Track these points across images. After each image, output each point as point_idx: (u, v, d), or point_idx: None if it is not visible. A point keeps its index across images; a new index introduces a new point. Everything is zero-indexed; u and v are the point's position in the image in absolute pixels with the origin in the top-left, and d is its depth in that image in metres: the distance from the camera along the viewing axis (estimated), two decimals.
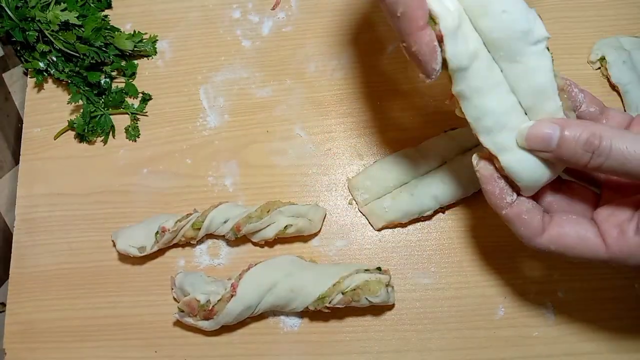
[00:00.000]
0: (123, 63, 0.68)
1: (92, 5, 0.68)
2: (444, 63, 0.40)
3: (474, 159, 0.44)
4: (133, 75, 0.68)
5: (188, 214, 0.59)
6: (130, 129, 0.66)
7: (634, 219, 0.40)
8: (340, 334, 0.58)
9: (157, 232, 0.58)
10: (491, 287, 0.58)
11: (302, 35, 0.68)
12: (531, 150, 0.41)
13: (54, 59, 0.65)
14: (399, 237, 0.60)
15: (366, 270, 0.55)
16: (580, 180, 0.46)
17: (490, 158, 0.43)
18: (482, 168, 0.43)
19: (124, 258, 0.62)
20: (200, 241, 0.61)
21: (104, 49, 0.65)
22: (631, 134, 0.39)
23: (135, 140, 0.66)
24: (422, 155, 0.60)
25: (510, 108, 0.41)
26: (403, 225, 0.60)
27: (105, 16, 0.69)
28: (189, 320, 0.56)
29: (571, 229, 0.42)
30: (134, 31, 0.68)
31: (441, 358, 0.56)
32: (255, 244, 0.60)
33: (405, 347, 0.57)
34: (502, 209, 0.43)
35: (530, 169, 0.42)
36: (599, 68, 0.65)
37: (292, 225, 0.58)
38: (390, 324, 0.58)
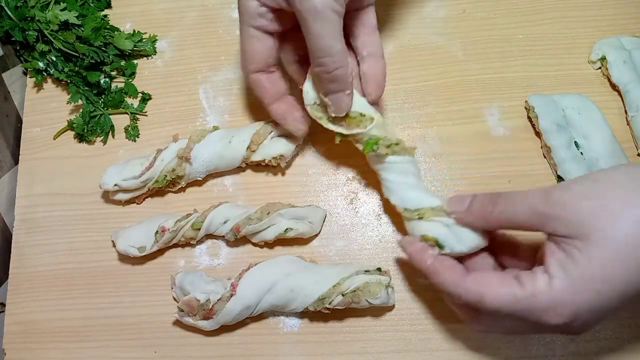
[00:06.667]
0: (122, 63, 0.67)
1: (91, 4, 0.68)
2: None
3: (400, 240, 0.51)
4: (132, 75, 0.68)
5: (188, 214, 0.59)
6: (129, 128, 0.66)
7: (536, 270, 0.43)
8: (340, 335, 0.58)
9: (157, 231, 0.58)
10: None
11: None
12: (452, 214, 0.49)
13: (54, 58, 0.65)
14: (399, 237, 0.60)
15: (366, 271, 0.55)
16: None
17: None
18: (403, 241, 0.51)
19: (124, 258, 0.61)
20: (200, 241, 0.61)
21: (103, 48, 0.65)
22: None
23: (135, 140, 0.66)
24: None
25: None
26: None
27: (105, 16, 0.69)
28: (189, 320, 0.55)
29: (493, 273, 0.47)
30: (134, 31, 0.68)
31: (441, 358, 0.56)
32: (255, 244, 0.60)
33: (406, 347, 0.57)
34: (425, 261, 0.48)
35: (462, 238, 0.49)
36: (600, 68, 0.65)
37: (292, 229, 0.58)
38: (390, 325, 0.58)
